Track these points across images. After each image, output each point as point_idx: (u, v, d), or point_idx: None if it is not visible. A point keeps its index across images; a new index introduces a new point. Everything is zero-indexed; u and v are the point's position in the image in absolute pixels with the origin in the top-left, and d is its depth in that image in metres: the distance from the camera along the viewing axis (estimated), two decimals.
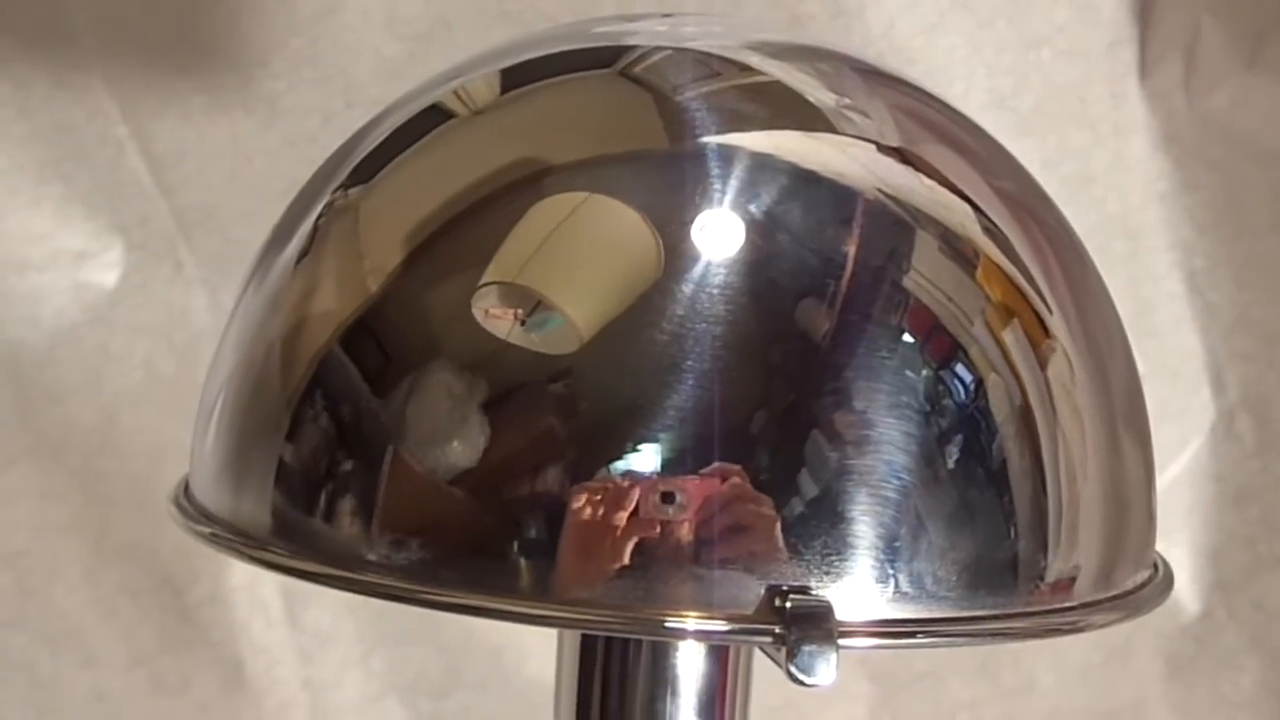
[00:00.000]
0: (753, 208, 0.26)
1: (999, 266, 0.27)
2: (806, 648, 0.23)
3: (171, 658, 0.59)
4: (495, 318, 0.25)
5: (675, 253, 0.25)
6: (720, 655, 0.31)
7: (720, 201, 0.26)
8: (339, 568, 0.25)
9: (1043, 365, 0.27)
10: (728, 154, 0.26)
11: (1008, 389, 0.26)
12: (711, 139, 0.27)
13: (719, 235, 0.25)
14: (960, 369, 0.25)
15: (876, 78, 0.30)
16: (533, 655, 0.60)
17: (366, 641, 0.60)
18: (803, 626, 0.23)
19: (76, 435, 0.58)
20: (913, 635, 0.24)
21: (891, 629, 0.24)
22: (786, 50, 0.29)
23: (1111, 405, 0.28)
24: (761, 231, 0.26)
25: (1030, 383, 0.26)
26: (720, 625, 0.24)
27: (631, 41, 0.29)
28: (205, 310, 0.58)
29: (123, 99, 0.56)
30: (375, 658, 0.60)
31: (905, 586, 0.24)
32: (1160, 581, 0.29)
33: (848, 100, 0.28)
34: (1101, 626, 0.27)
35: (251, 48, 0.57)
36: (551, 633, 0.62)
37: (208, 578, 0.59)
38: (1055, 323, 0.27)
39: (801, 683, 0.23)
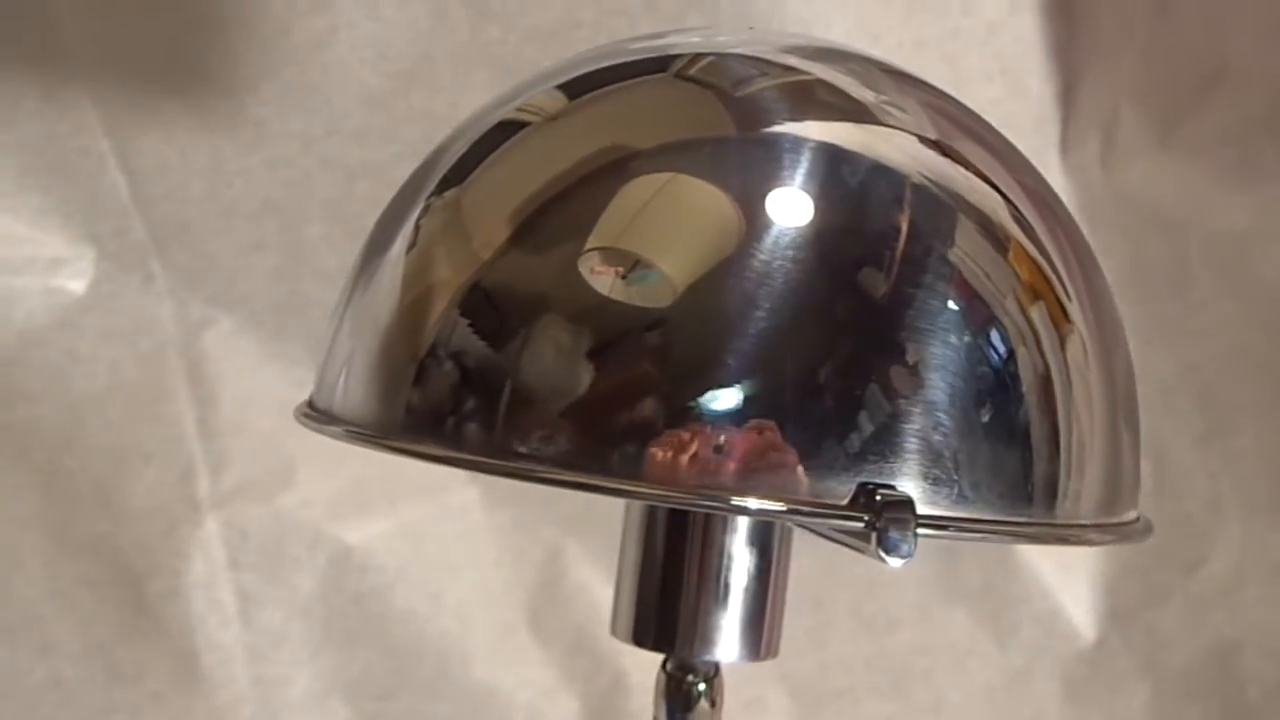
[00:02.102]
0: (817, 187, 0.29)
1: (1027, 252, 0.30)
2: (893, 532, 0.26)
3: (127, 648, 0.58)
4: (599, 274, 0.28)
5: (753, 223, 0.28)
6: (765, 543, 0.33)
7: (789, 181, 0.29)
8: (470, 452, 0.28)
9: (1062, 345, 0.30)
10: (792, 141, 0.29)
11: (1033, 361, 0.29)
12: (775, 128, 0.30)
13: (790, 209, 0.28)
14: (995, 337, 0.29)
15: (902, 78, 0.32)
16: (479, 659, 0.59)
17: (315, 642, 0.59)
18: (890, 512, 0.26)
19: (41, 433, 0.57)
20: (966, 529, 0.28)
21: (956, 523, 0.27)
22: (818, 53, 0.32)
23: (1115, 392, 0.31)
24: (826, 207, 0.29)
25: (1051, 359, 0.29)
26: (814, 507, 0.27)
27: (675, 51, 0.32)
28: (171, 320, 0.57)
29: (109, 115, 0.55)
30: (323, 657, 0.59)
31: (957, 494, 0.27)
32: (1144, 523, 0.32)
33: (885, 97, 0.31)
34: (1099, 544, 0.30)
35: (245, 75, 0.56)
36: (499, 636, 0.64)
37: (168, 573, 0.58)
38: (1074, 310, 0.30)
39: (885, 560, 0.26)
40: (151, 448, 0.58)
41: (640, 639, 0.34)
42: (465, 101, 0.58)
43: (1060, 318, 0.30)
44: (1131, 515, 0.32)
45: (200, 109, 0.57)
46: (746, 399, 0.27)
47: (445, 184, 0.31)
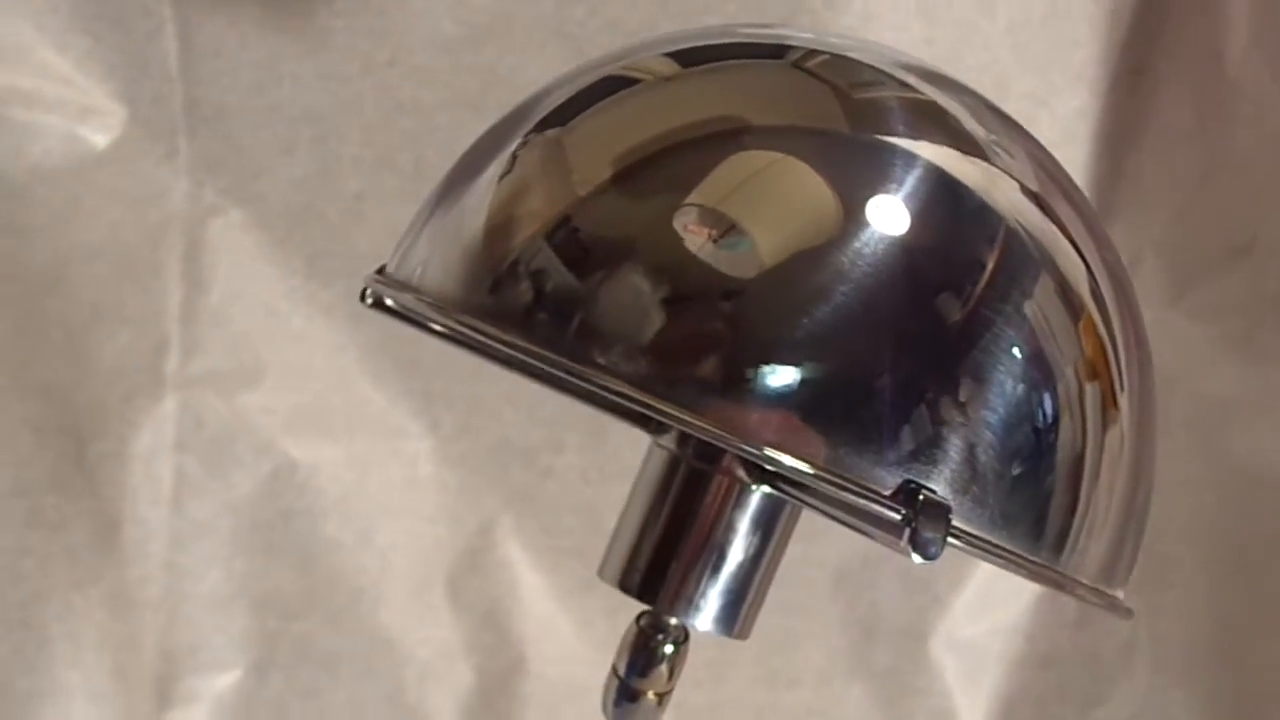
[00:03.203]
0: (918, 204, 0.29)
1: (1096, 328, 0.30)
2: (927, 531, 0.26)
3: (55, 498, 0.56)
4: (692, 232, 0.27)
5: (850, 220, 0.28)
6: (769, 528, 0.33)
7: (892, 191, 0.28)
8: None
9: (1103, 429, 0.30)
10: (903, 155, 0.29)
11: (1074, 432, 0.29)
12: (888, 138, 0.29)
13: (888, 218, 0.28)
14: (1047, 397, 0.29)
15: (1009, 122, 0.32)
16: (389, 606, 0.58)
17: (237, 545, 0.57)
18: (929, 512, 0.27)
19: (27, 269, 0.55)
20: (987, 551, 0.28)
21: (977, 541, 0.28)
22: (932, 76, 0.31)
23: (1137, 488, 0.31)
24: (922, 225, 0.28)
25: (1091, 438, 0.29)
26: (861, 486, 0.27)
27: (790, 42, 0.31)
28: (183, 199, 0.56)
29: None
30: (240, 562, 0.57)
31: (988, 518, 0.28)
32: (1127, 606, 0.32)
33: (994, 137, 0.30)
34: (1088, 601, 0.30)
35: None
36: (415, 590, 0.63)
37: (114, 438, 0.56)
38: (1123, 400, 0.30)
39: (912, 555, 0.27)
40: (131, 313, 0.57)
41: (626, 584, 0.33)
42: (528, 69, 0.56)
43: (1110, 402, 0.30)
44: (1119, 594, 0.32)
45: (272, 3, 0.56)
46: (804, 381, 0.27)
47: (546, 124, 0.31)
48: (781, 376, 0.27)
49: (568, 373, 0.27)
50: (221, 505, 0.57)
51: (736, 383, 0.27)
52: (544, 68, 0.59)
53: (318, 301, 0.58)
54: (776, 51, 0.31)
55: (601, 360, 0.27)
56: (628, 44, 0.34)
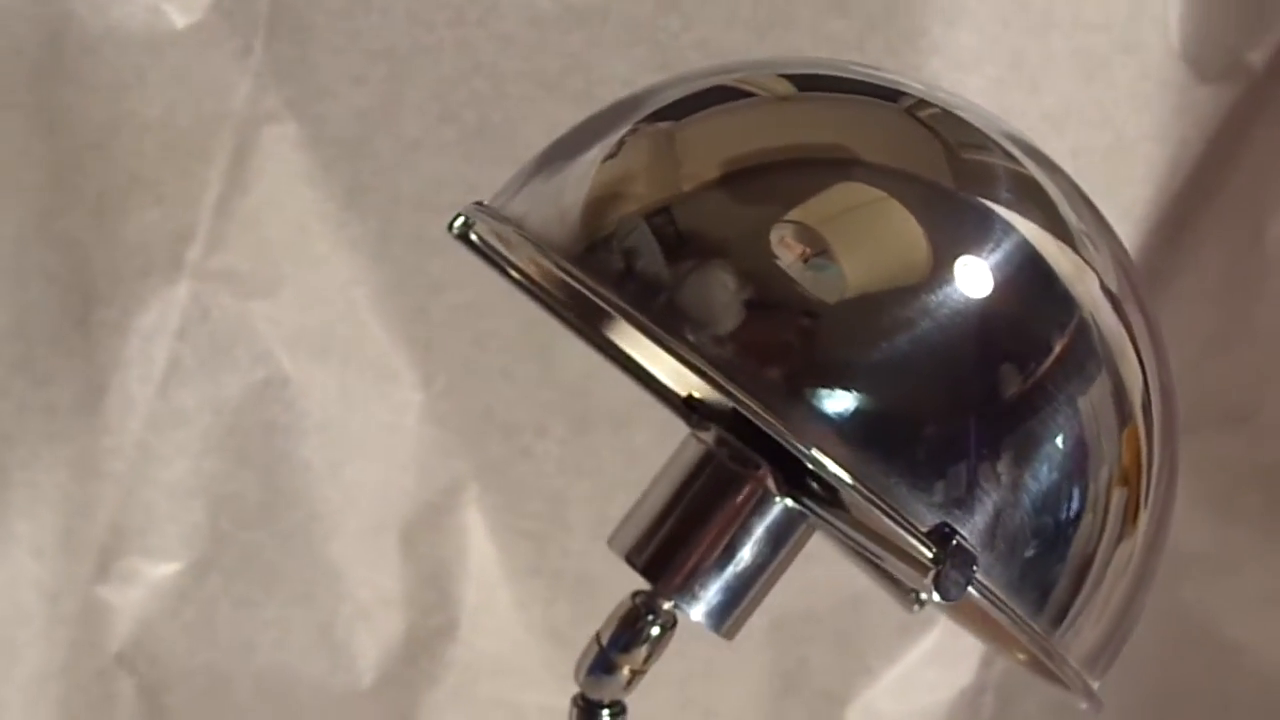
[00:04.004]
0: (1004, 274, 0.29)
1: (1138, 440, 0.31)
2: (953, 574, 0.27)
3: (47, 351, 0.55)
4: (786, 246, 0.28)
5: (937, 271, 0.28)
6: (781, 541, 0.33)
7: (983, 255, 0.29)
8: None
9: (1119, 539, 0.30)
10: (1000, 223, 0.29)
11: (1092, 530, 0.29)
12: (988, 203, 0.30)
13: (974, 278, 0.29)
14: (1076, 491, 0.29)
15: (1099, 217, 0.32)
16: (341, 540, 0.57)
17: (211, 443, 0.57)
18: (958, 557, 0.27)
19: (77, 123, 0.54)
20: (998, 606, 0.28)
21: (990, 595, 0.28)
22: (1032, 151, 0.32)
23: (1131, 608, 0.32)
24: (1003, 295, 0.29)
25: (1106, 542, 0.30)
26: (900, 513, 0.27)
27: (902, 88, 0.32)
28: (245, 99, 0.55)
29: None
30: (209, 460, 0.57)
31: (1006, 579, 0.29)
32: (1100, 699, 0.33)
33: (1084, 228, 0.31)
34: (1067, 683, 0.31)
35: None
36: (370, 531, 0.63)
37: (119, 309, 0.55)
38: (1144, 516, 0.31)
39: (933, 593, 0.27)
40: (166, 194, 0.56)
41: (633, 558, 0.34)
42: (610, 65, 0.56)
43: (1131, 515, 0.30)
44: (1095, 685, 0.32)
45: None
46: (861, 410, 0.27)
47: (658, 117, 0.31)
48: (840, 400, 0.27)
49: (655, 337, 0.28)
50: (206, 400, 0.57)
51: (797, 395, 0.27)
52: (626, 67, 0.60)
53: (347, 232, 0.57)
54: (890, 95, 0.32)
55: (690, 336, 0.28)
56: (737, 60, 0.34)
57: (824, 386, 0.27)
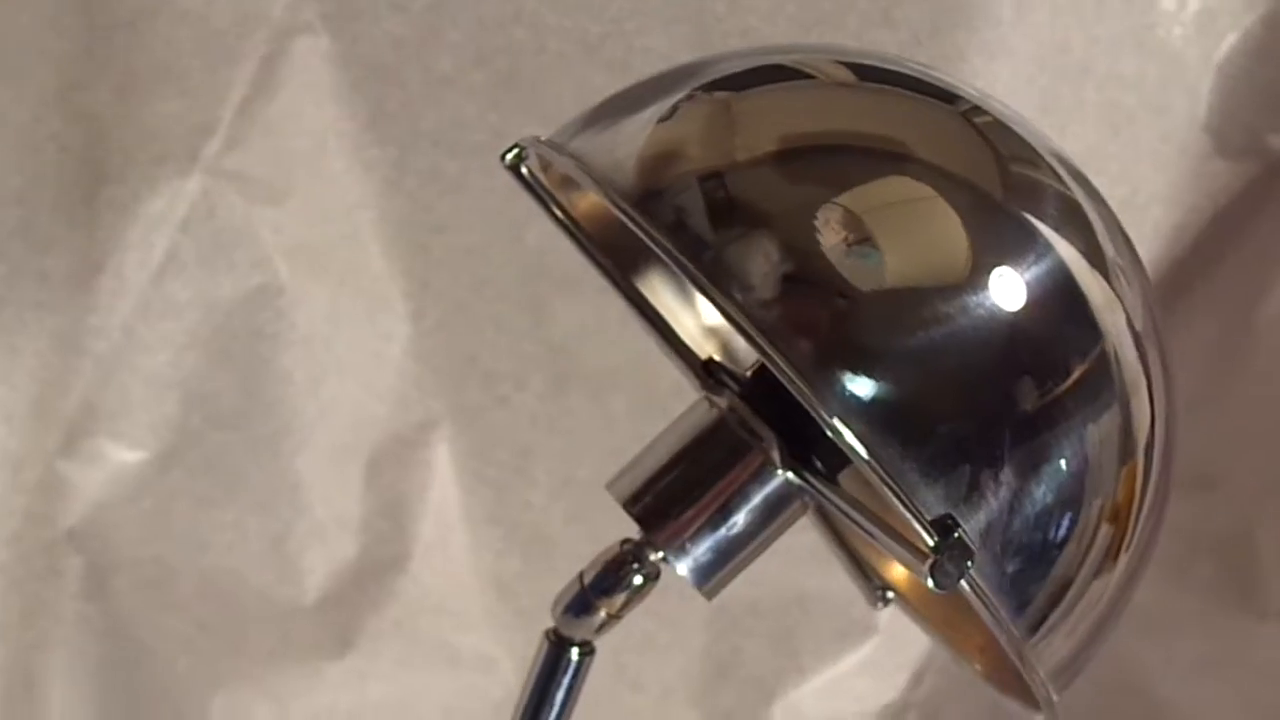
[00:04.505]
0: (1038, 292, 0.29)
1: (1135, 478, 0.31)
2: (949, 566, 0.27)
3: (49, 220, 0.55)
4: (829, 228, 0.28)
5: (974, 277, 0.29)
6: (776, 511, 0.33)
7: (1020, 270, 0.29)
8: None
9: (1096, 573, 0.30)
10: (1041, 240, 0.29)
11: (1075, 558, 0.30)
12: (1033, 220, 0.30)
13: (1008, 290, 0.29)
14: (1067, 517, 0.29)
15: (1133, 253, 0.32)
16: (307, 455, 0.57)
17: (196, 339, 0.56)
18: (957, 549, 0.27)
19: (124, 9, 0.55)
20: (984, 604, 0.29)
21: (981, 595, 0.28)
22: (1078, 175, 0.32)
23: (1094, 642, 0.32)
24: (1033, 312, 0.29)
25: (1084, 574, 0.30)
26: (906, 493, 0.27)
27: (958, 91, 0.32)
28: (284, 6, 0.54)
29: None
30: (191, 355, 0.56)
31: (998, 580, 0.29)
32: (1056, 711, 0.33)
33: (1120, 261, 0.31)
34: (1032, 685, 0.31)
35: None
36: (338, 453, 0.62)
37: (128, 190, 0.55)
38: (1124, 558, 0.31)
39: (928, 581, 0.28)
40: (193, 86, 0.55)
41: (629, 505, 0.34)
42: (651, 37, 0.56)
43: (1114, 552, 0.31)
44: (1056, 699, 0.33)
45: None
46: (879, 398, 0.28)
47: (715, 86, 0.31)
48: (865, 383, 0.28)
49: (701, 285, 0.28)
50: (198, 296, 0.56)
51: (825, 370, 0.28)
52: (666, 42, 0.59)
53: (364, 154, 0.57)
54: (947, 97, 0.32)
55: (736, 294, 0.28)
56: (792, 43, 0.34)
57: (851, 367, 0.28)
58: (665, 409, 0.59)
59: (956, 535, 0.27)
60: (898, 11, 0.56)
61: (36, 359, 0.56)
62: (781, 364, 0.27)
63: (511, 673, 0.59)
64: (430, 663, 0.59)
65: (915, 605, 0.39)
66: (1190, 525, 0.58)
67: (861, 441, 0.27)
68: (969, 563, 0.27)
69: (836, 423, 0.27)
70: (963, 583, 0.28)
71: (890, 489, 0.27)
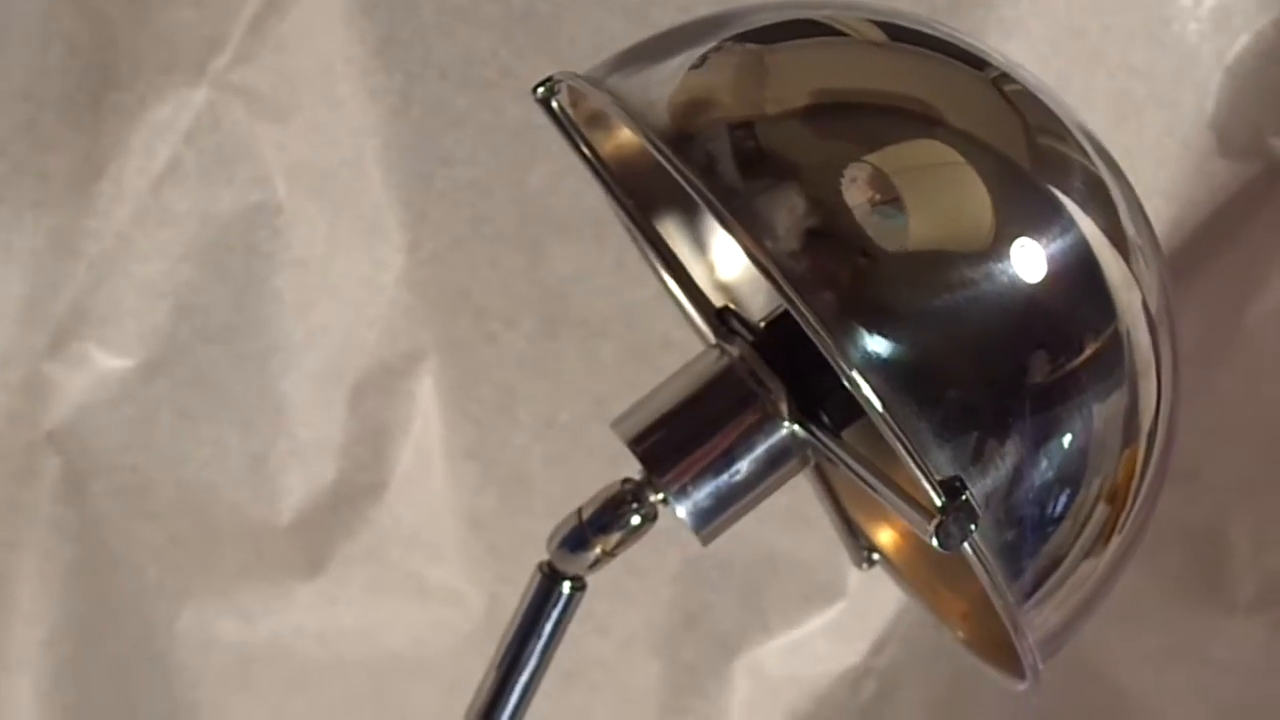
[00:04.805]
0: (1058, 265, 0.29)
1: (1135, 462, 0.31)
2: (954, 527, 0.27)
3: (57, 119, 0.54)
4: (857, 186, 0.28)
5: (996, 246, 0.28)
6: (777, 463, 0.34)
7: (1043, 242, 0.29)
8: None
9: (1087, 553, 0.30)
10: (1065, 215, 0.29)
11: (1068, 537, 0.30)
12: (1058, 194, 0.30)
13: (1029, 262, 0.29)
14: (1066, 491, 0.29)
15: (1152, 234, 0.32)
16: (292, 377, 0.57)
17: (191, 251, 0.56)
18: (964, 512, 0.27)
19: None
20: (984, 567, 0.29)
21: (982, 557, 0.28)
22: (1103, 152, 0.32)
23: (1077, 618, 0.32)
24: (1052, 285, 0.29)
25: (1076, 551, 0.30)
26: (917, 450, 0.27)
27: (988, 58, 0.31)
28: None
29: None
30: (185, 267, 0.56)
31: (1000, 543, 0.29)
32: (1038, 679, 0.33)
33: (1140, 241, 0.31)
34: (1020, 649, 0.31)
35: None
36: (321, 376, 0.61)
37: (136, 97, 0.54)
38: (1115, 540, 0.31)
39: (931, 540, 0.28)
40: None
41: (634, 445, 0.34)
42: None
43: (1106, 533, 0.31)
44: (1042, 667, 0.33)
45: None
46: (899, 354, 0.28)
47: (746, 38, 0.31)
48: (883, 341, 0.28)
49: (730, 227, 0.28)
50: (197, 208, 0.55)
51: (845, 324, 0.27)
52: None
53: (371, 81, 0.56)
54: (977, 62, 0.32)
55: (767, 241, 0.28)
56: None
57: (870, 324, 0.27)
58: (653, 360, 0.60)
59: (964, 498, 0.27)
60: None
61: (31, 257, 0.55)
62: (806, 313, 0.27)
63: (479, 608, 0.59)
64: (399, 592, 0.59)
65: (900, 568, 0.39)
66: (1164, 514, 0.58)
67: (879, 397, 0.27)
68: (973, 525, 0.27)
69: (856, 375, 0.27)
70: (965, 545, 0.28)
71: (903, 446, 0.27)
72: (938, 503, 0.27)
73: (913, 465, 0.27)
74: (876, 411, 0.27)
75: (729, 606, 0.60)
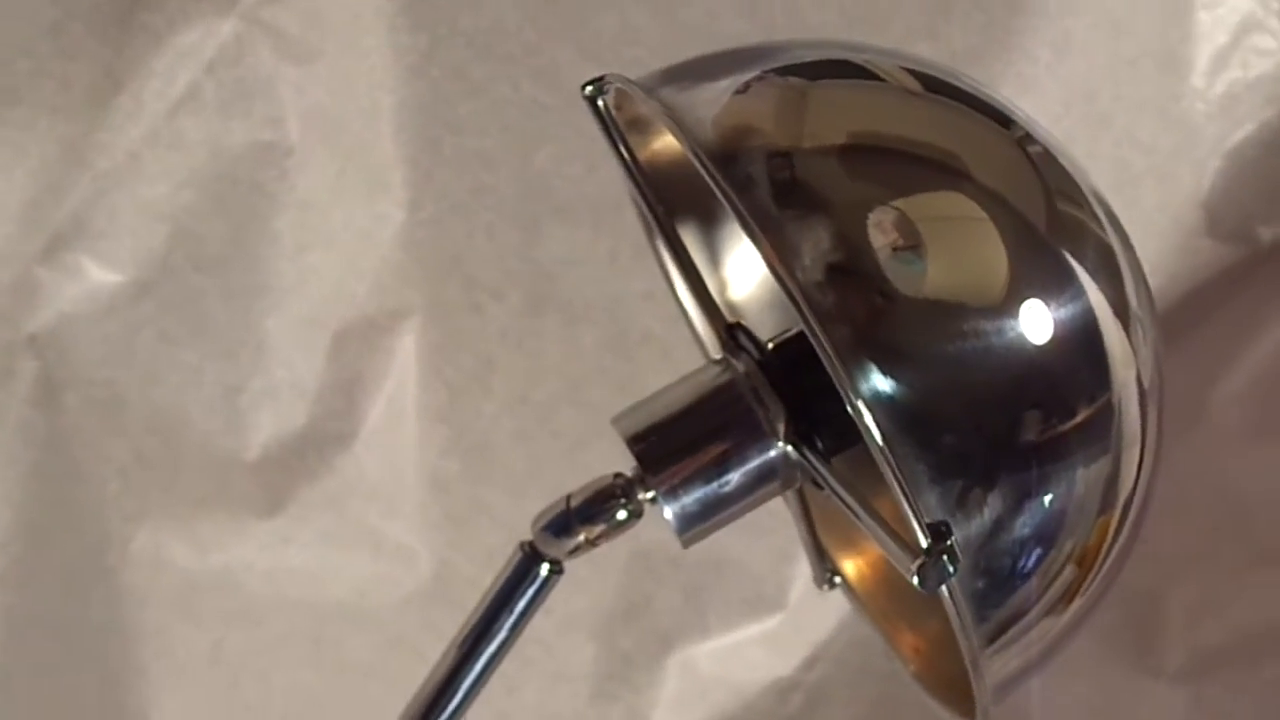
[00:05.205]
0: (1063, 329, 0.30)
1: (1109, 529, 0.31)
2: (933, 570, 0.28)
3: (81, 29, 0.54)
4: (882, 229, 0.29)
5: (1007, 304, 0.29)
6: (767, 479, 0.34)
7: (1051, 306, 0.30)
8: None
9: (1048, 611, 0.31)
10: (1075, 282, 0.30)
11: (1032, 593, 0.30)
12: (1071, 260, 0.30)
13: (1036, 323, 0.29)
14: (1037, 553, 0.30)
15: (1151, 306, 0.33)
16: (277, 314, 0.57)
17: (194, 180, 0.56)
18: (947, 556, 0.28)
19: None
20: (955, 607, 0.29)
21: (956, 600, 0.29)
22: (1113, 218, 0.33)
23: (1031, 669, 0.33)
24: (1055, 348, 0.29)
25: (1038, 610, 0.31)
26: (908, 486, 0.28)
27: (1013, 115, 0.32)
28: None
29: None
30: (190, 194, 0.56)
31: (975, 590, 0.29)
32: None
33: (1140, 314, 0.31)
34: (978, 694, 0.31)
35: None
36: (307, 319, 0.60)
37: (164, 18, 0.54)
38: (1078, 602, 0.32)
39: (912, 578, 0.28)
40: None
41: (632, 444, 0.34)
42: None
43: (1070, 596, 0.32)
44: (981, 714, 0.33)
45: None
46: (897, 398, 0.28)
47: (788, 72, 0.32)
48: (887, 382, 0.28)
49: (764, 249, 0.28)
50: (209, 138, 0.56)
51: (855, 359, 0.28)
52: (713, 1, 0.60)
53: (396, 37, 0.56)
54: (1003, 119, 0.32)
55: (796, 268, 0.28)
56: (858, 41, 0.35)
57: (881, 361, 0.28)
58: (631, 352, 0.61)
59: (949, 543, 0.28)
60: (944, 27, 0.57)
61: (39, 161, 0.55)
62: (824, 342, 0.28)
63: (428, 569, 0.59)
64: (352, 542, 0.59)
65: (860, 595, 0.40)
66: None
67: (882, 432, 0.28)
68: (953, 570, 0.28)
69: (863, 408, 0.28)
70: (944, 588, 0.28)
71: (899, 484, 0.28)
72: (923, 544, 0.28)
73: (905, 504, 0.28)
74: (878, 446, 0.28)
75: (672, 602, 0.61)
